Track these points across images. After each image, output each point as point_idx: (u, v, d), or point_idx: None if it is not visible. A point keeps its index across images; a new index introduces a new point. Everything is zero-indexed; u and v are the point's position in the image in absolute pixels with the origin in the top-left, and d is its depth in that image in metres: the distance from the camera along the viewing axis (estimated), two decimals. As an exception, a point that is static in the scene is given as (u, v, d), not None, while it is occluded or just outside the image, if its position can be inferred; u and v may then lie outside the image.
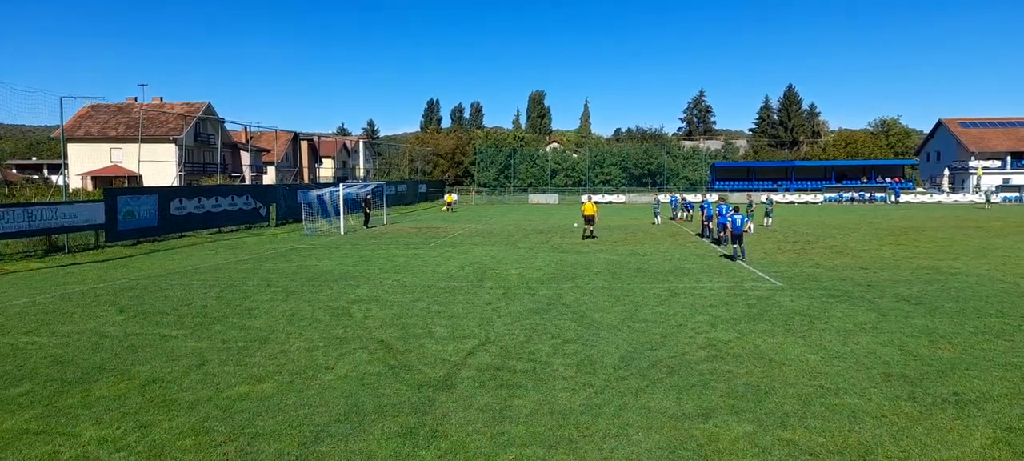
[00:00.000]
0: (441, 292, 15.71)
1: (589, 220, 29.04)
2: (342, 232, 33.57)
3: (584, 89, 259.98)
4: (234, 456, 6.45)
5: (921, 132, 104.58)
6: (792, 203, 68.04)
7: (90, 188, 57.19)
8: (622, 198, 76.70)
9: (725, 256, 21.91)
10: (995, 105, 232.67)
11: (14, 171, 75.37)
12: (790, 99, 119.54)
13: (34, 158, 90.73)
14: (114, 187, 36.91)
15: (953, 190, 75.64)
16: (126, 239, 27.99)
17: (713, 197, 56.34)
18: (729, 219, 22.00)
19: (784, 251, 23.73)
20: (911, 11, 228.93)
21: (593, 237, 28.84)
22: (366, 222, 38.43)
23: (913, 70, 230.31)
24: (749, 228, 22.21)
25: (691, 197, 53.30)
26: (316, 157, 76.29)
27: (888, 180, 76.88)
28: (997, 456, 6.31)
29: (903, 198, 68.46)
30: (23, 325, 12.45)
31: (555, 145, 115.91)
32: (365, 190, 41.27)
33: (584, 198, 51.43)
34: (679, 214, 43.30)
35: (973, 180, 75.49)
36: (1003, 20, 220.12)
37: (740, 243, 21.13)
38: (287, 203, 40.69)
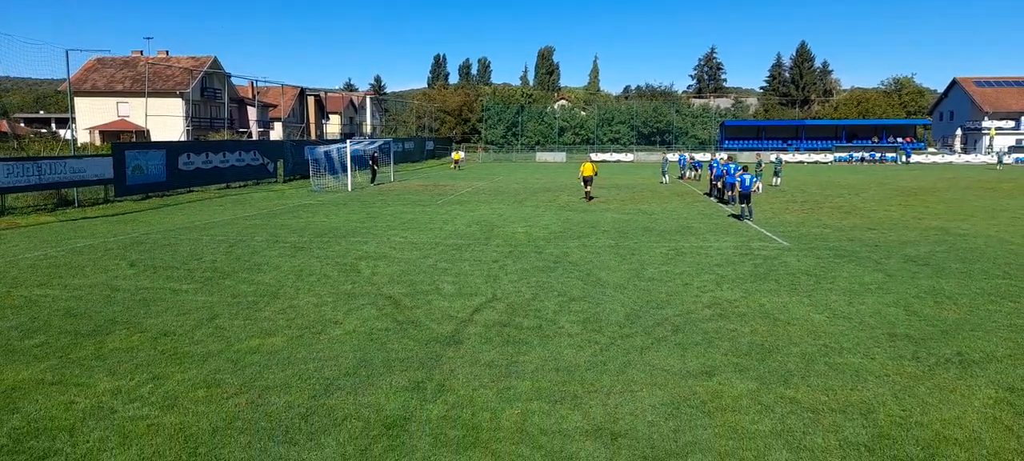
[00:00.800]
0: (448, 249, 15.79)
1: (587, 180, 27.90)
2: (349, 189, 33.63)
3: (593, 45, 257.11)
4: (245, 407, 6.58)
5: (935, 91, 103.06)
6: (801, 163, 67.60)
7: (98, 142, 57.30)
8: (630, 156, 76.35)
9: (732, 216, 21.88)
10: (1012, 64, 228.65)
11: (22, 124, 75.45)
12: (802, 56, 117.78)
13: (42, 111, 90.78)
14: (122, 142, 36.96)
15: (965, 151, 74.90)
16: (135, 194, 28.13)
17: (722, 156, 56.03)
18: (737, 178, 21.92)
19: (792, 211, 23.67)
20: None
21: (591, 199, 27.74)
22: (373, 179, 38.46)
23: (929, 27, 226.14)
24: (758, 188, 22.11)
25: (700, 156, 52.96)
26: (323, 113, 75.99)
27: (899, 140, 76.15)
28: (999, 416, 6.38)
29: (914, 158, 67.87)
30: (36, 278, 12.61)
31: (563, 102, 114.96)
32: (372, 147, 41.20)
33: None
34: (687, 173, 43.12)
35: (986, 140, 74.67)
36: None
37: (748, 203, 21.09)
38: (294, 159, 40.72)
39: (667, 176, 39.68)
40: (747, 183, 21.13)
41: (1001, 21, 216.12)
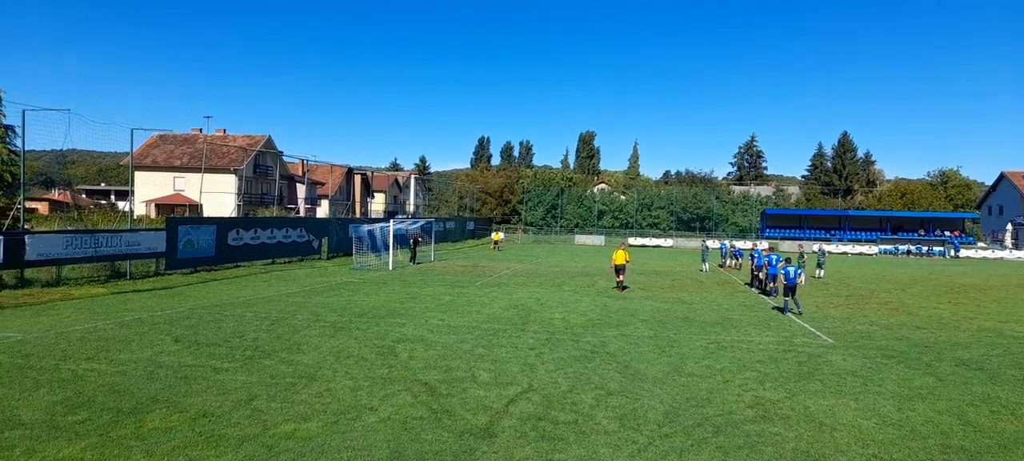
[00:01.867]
0: (485, 334, 15.76)
1: (620, 269, 26.50)
2: (391, 268, 34.04)
3: (634, 131, 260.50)
4: (279, 497, 6.55)
5: (983, 184, 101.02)
6: (845, 253, 66.31)
7: (153, 214, 59.39)
8: (669, 242, 75.93)
9: (776, 308, 21.41)
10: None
11: (83, 195, 78.83)
12: (844, 146, 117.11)
13: (103, 183, 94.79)
14: (176, 217, 38.26)
15: (1016, 246, 72.59)
16: (184, 267, 28.92)
17: (764, 245, 55.32)
18: (780, 270, 21.51)
19: (836, 305, 23.11)
20: (972, 59, 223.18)
21: (624, 288, 26.39)
22: (413, 259, 38.89)
23: (975, 120, 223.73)
24: (802, 280, 21.62)
25: (740, 244, 52.36)
26: (368, 191, 77.83)
27: (947, 233, 74.33)
28: (1063, 544, 6.00)
29: (963, 253, 66.00)
30: (84, 351, 12.94)
31: (603, 186, 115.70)
32: (415, 227, 41.86)
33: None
34: (728, 261, 42.60)
35: (1040, 236, 72.33)
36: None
37: (793, 296, 20.64)
38: (339, 236, 41.56)
39: (707, 264, 39.27)
40: (792, 276, 20.72)
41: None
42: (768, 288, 25.99)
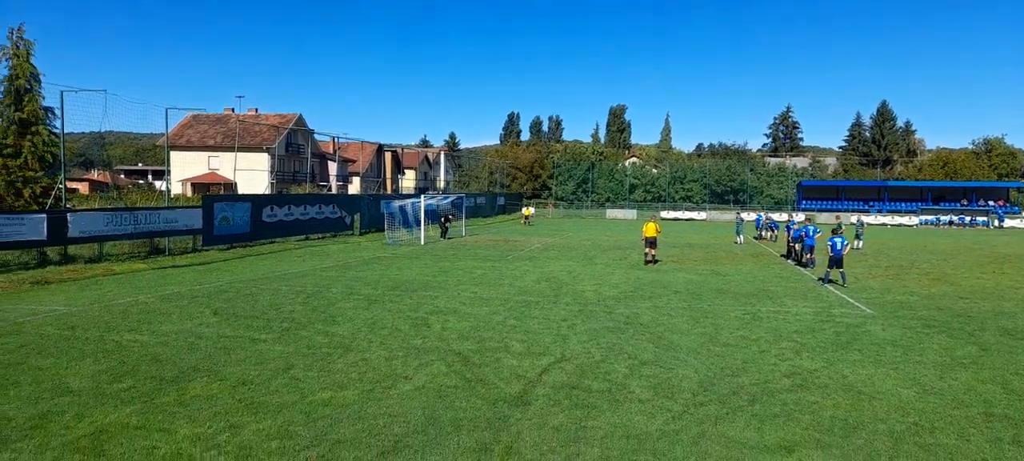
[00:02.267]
0: (517, 306, 15.79)
1: (651, 242, 25.62)
2: (422, 243, 34.26)
3: (665, 103, 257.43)
4: (317, 461, 6.67)
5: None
6: (884, 225, 64.95)
7: (189, 193, 60.48)
8: (703, 215, 75.13)
9: (820, 279, 20.97)
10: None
11: (122, 176, 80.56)
12: (883, 116, 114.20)
13: (140, 164, 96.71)
14: (212, 194, 38.90)
15: (1066, 215, 70.30)
16: (221, 243, 29.45)
17: (799, 216, 54.42)
18: (827, 242, 21.04)
19: (876, 276, 22.68)
20: (1017, 25, 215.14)
21: (655, 261, 25.66)
22: (443, 234, 39.04)
23: (1018, 87, 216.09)
24: (848, 249, 21.17)
25: (776, 216, 51.56)
26: (399, 168, 78.21)
27: (991, 203, 72.30)
28: (1114, 511, 5.83)
29: (1007, 223, 64.15)
30: (127, 323, 13.28)
31: (634, 160, 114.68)
32: (445, 202, 42.01)
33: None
34: (764, 234, 42.04)
35: (1089, 205, 69.99)
36: None
37: (840, 266, 20.23)
38: (370, 212, 41.91)
39: (742, 236, 38.78)
40: (838, 247, 20.30)
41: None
42: (805, 260, 25.59)
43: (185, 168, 66.67)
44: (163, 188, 34.25)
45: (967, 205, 72.51)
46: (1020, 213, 71.08)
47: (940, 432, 7.70)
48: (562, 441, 7.31)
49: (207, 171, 67.23)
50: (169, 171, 33.76)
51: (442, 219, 39.91)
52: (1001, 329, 13.68)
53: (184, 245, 28.43)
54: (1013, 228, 61.96)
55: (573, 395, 8.93)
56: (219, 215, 29.38)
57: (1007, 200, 74.62)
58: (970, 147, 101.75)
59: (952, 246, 38.02)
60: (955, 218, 66.87)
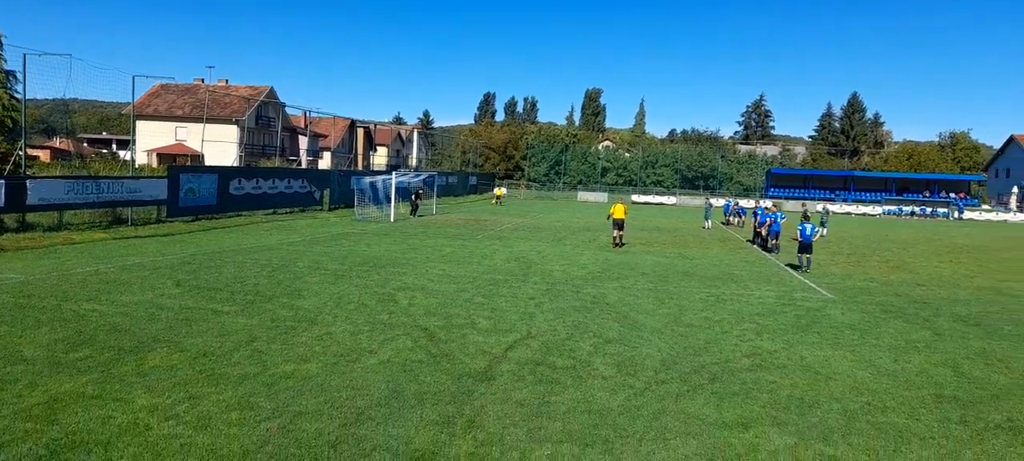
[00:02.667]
0: (486, 284, 15.81)
1: (619, 224, 25.51)
2: (392, 220, 34.06)
3: (640, 88, 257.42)
4: (276, 433, 6.63)
5: (991, 147, 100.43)
6: (849, 214, 66.15)
7: (155, 164, 59.32)
8: (673, 200, 75.77)
9: (790, 266, 21.30)
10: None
11: (85, 144, 78.64)
12: (853, 107, 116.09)
13: (104, 132, 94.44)
14: (177, 165, 38.19)
15: (1021, 209, 72.32)
16: (186, 215, 28.96)
17: (767, 203, 55.10)
18: (797, 227, 21.32)
19: (838, 263, 23.12)
20: (984, 21, 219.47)
21: (622, 245, 25.39)
22: (414, 212, 38.83)
23: (985, 83, 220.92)
24: (818, 235, 21.52)
25: (744, 202, 52.22)
26: (371, 144, 77.40)
27: (952, 195, 74.04)
28: (1052, 489, 6.06)
29: (967, 215, 65.79)
30: (86, 292, 13.01)
31: (608, 143, 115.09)
32: (417, 179, 41.76)
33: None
34: (732, 219, 42.58)
35: (1044, 199, 72.03)
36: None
37: (808, 252, 20.55)
38: (341, 188, 41.50)
39: (710, 221, 39.21)
40: (808, 233, 20.62)
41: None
42: (770, 245, 25.99)
43: (151, 138, 65.31)
44: (128, 158, 33.53)
45: (929, 197, 74.15)
46: (979, 205, 72.87)
47: (892, 411, 7.91)
48: (525, 415, 7.36)
49: (174, 142, 65.94)
50: (134, 140, 33.04)
51: (413, 196, 39.67)
52: (955, 315, 14.06)
53: (148, 216, 27.89)
54: (972, 220, 63.56)
55: (537, 371, 8.99)
56: (185, 186, 28.86)
57: (968, 193, 76.44)
58: (936, 140, 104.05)
59: (912, 236, 38.90)
60: (917, 209, 68.35)
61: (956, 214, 65.48)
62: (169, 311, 11.67)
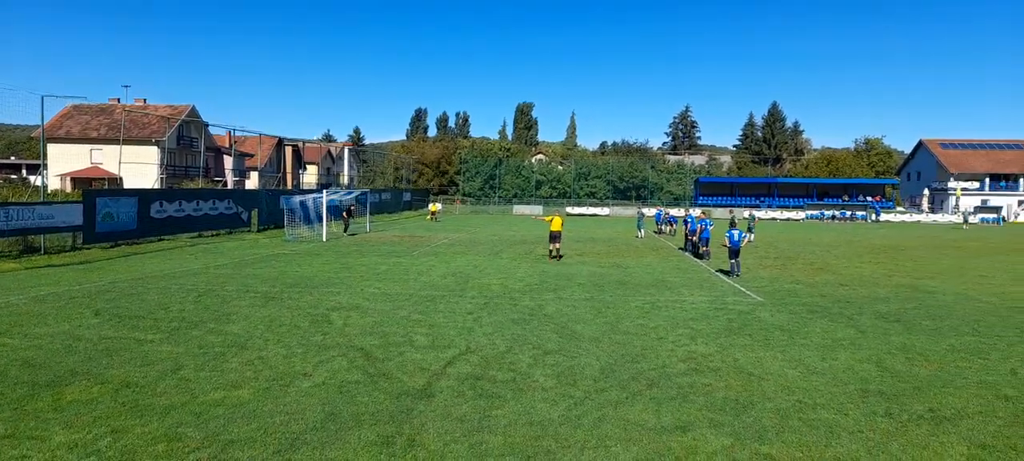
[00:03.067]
0: (422, 301, 15.63)
1: (554, 237, 25.44)
2: (324, 239, 33.36)
3: (571, 102, 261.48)
4: (207, 463, 6.34)
5: (903, 152, 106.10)
6: (774, 219, 68.61)
7: (69, 189, 56.47)
8: (606, 211, 76.95)
9: (721, 271, 21.85)
10: (975, 127, 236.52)
11: (-8, 170, 74.28)
12: (774, 116, 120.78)
13: (13, 157, 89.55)
14: (93, 189, 36.46)
15: (932, 210, 76.67)
16: (104, 241, 27.63)
17: (696, 212, 56.71)
18: (726, 234, 21.92)
19: (766, 267, 23.89)
20: (896, 33, 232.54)
21: (558, 257, 25.43)
22: (346, 229, 38.14)
23: (897, 91, 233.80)
24: (747, 241, 22.22)
25: (674, 212, 53.54)
26: (300, 163, 75.87)
27: (869, 199, 77.83)
28: (971, 473, 6.36)
29: (883, 217, 69.27)
30: (-5, 326, 12.21)
31: (541, 156, 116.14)
32: (349, 197, 41.08)
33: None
34: (663, 228, 43.52)
35: (952, 200, 76.57)
36: (985, 44, 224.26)
37: (736, 258, 21.16)
38: (269, 208, 40.41)
39: (643, 230, 39.97)
40: (736, 239, 21.25)
41: (964, 86, 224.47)
42: (701, 252, 26.66)
43: (65, 162, 62.24)
44: (39, 183, 31.80)
45: (848, 200, 77.71)
46: (894, 208, 76.81)
47: (822, 408, 8.17)
48: (466, 430, 7.27)
49: (90, 165, 63.01)
50: (45, 164, 31.38)
51: (344, 213, 38.98)
52: (876, 313, 14.71)
53: (63, 243, 26.46)
54: (888, 221, 66.92)
55: (477, 386, 8.91)
56: (102, 211, 27.54)
57: (883, 196, 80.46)
58: (852, 147, 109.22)
59: (834, 238, 40.63)
60: (837, 213, 71.51)
61: (873, 217, 68.86)
62: (88, 342, 11.06)
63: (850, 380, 9.40)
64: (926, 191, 79.09)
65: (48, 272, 20.12)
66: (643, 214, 42.93)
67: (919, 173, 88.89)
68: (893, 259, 27.33)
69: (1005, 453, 6.85)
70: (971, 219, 65.11)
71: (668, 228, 43.12)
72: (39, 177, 31.76)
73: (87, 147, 63.72)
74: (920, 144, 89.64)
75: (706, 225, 27.14)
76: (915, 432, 7.40)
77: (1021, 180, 79.58)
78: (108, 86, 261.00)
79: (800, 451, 6.81)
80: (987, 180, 79.58)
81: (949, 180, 79.82)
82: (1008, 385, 9.26)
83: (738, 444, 6.98)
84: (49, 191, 38.51)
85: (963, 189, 76.87)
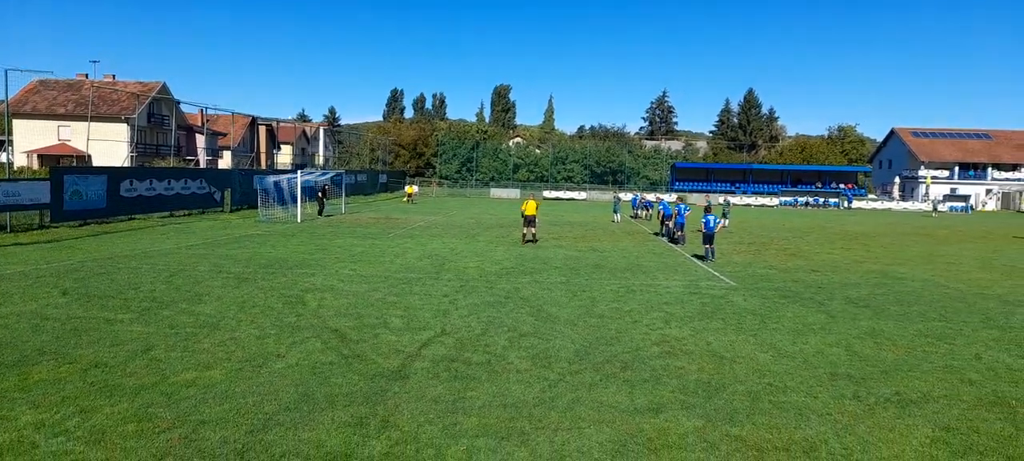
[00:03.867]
0: (398, 283, 15.57)
1: (530, 221, 25.26)
2: (299, 220, 33.06)
3: (549, 85, 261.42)
4: (178, 443, 6.28)
5: (875, 140, 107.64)
6: (748, 205, 69.33)
7: (36, 166, 55.27)
8: (583, 195, 77.16)
9: (696, 256, 22.04)
10: (945, 116, 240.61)
11: (-45, 146, 72.36)
12: (750, 103, 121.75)
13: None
14: (61, 166, 35.70)
15: (903, 198, 78.00)
16: (72, 220, 27.11)
17: (671, 197, 57.11)
18: (701, 220, 22.05)
19: (739, 252, 24.15)
20: (870, 22, 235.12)
21: (534, 240, 25.26)
22: (321, 211, 37.81)
23: (870, 79, 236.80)
24: (722, 225, 22.44)
25: (650, 196, 53.87)
26: (274, 143, 74.99)
27: (842, 186, 78.90)
28: (935, 454, 6.51)
29: (855, 204, 70.33)
30: (-42, 305, 11.94)
31: (518, 140, 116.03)
32: (324, 178, 40.69)
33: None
34: (639, 213, 43.78)
35: (922, 189, 77.93)
36: (957, 35, 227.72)
37: (711, 243, 21.32)
38: (243, 188, 39.91)
39: (619, 215, 40.15)
40: (711, 224, 21.40)
41: (936, 75, 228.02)
42: (676, 236, 26.86)
43: (31, 138, 60.87)
44: (4, 160, 31.06)
45: (821, 187, 78.74)
46: (866, 195, 78.01)
47: (792, 391, 8.30)
48: (440, 412, 7.28)
49: (57, 142, 61.70)
50: (11, 141, 30.66)
51: (319, 194, 38.58)
52: (846, 298, 14.95)
53: (29, 221, 25.92)
54: (860, 209, 67.98)
55: (452, 368, 8.91)
56: (70, 189, 26.99)
57: (855, 183, 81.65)
58: (826, 134, 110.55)
59: (807, 225, 41.19)
60: (810, 199, 72.45)
61: (846, 204, 69.89)
62: (56, 322, 10.87)
63: (820, 364, 9.56)
64: (897, 179, 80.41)
65: (14, 251, 19.70)
66: (619, 199, 43.11)
67: (891, 161, 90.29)
68: (864, 246, 27.79)
69: (968, 435, 7.02)
70: (940, 207, 66.38)
71: (644, 213, 43.39)
72: (4, 154, 31.04)
73: (54, 123, 62.35)
74: (892, 132, 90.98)
75: (681, 210, 27.33)
76: (882, 415, 7.56)
77: (988, 169, 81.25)
78: (76, 61, 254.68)
79: (770, 433, 6.92)
80: (956, 169, 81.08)
81: (920, 168, 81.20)
82: (972, 369, 9.48)
83: (709, 426, 7.07)
84: (15, 168, 37.62)
85: (933, 178, 78.26)
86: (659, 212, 31.42)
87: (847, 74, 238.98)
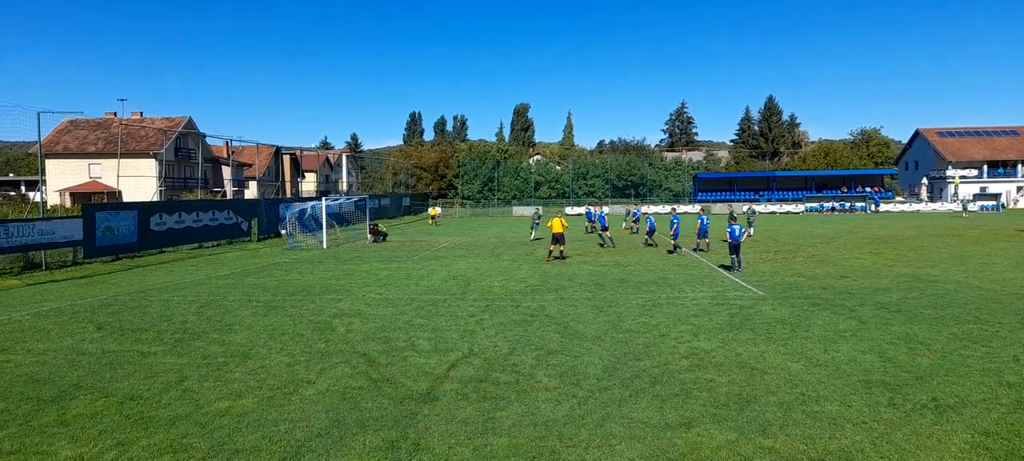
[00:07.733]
0: (424, 305, 15.65)
1: (558, 238, 25.14)
2: (325, 246, 33.40)
3: (567, 101, 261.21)
4: (213, 473, 6.36)
5: (900, 142, 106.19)
6: (773, 213, 68.63)
7: (68, 204, 56.51)
8: (606, 209, 76.91)
9: (722, 266, 21.87)
10: (972, 114, 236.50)
11: (-10, 188, 74.27)
12: (771, 110, 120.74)
13: (12, 174, 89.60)
14: (92, 203, 36.48)
15: (931, 199, 76.72)
16: (105, 255, 27.67)
17: (683, 209, 56.58)
18: (727, 230, 21.93)
19: (766, 261, 23.90)
20: (891, 22, 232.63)
21: (562, 257, 25.31)
22: (376, 239, 37.09)
23: (893, 81, 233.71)
24: (747, 235, 22.30)
25: (682, 209, 53.38)
26: (298, 171, 75.93)
27: (868, 189, 77.82)
28: None
29: (883, 207, 69.29)
30: (-2, 343, 12.23)
31: (538, 157, 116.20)
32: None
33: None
34: (623, 224, 43.77)
35: (950, 189, 76.60)
36: (981, 31, 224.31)
37: (737, 253, 21.18)
38: (269, 217, 40.45)
39: (535, 232, 38.34)
40: (736, 234, 21.28)
41: (960, 74, 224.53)
42: (701, 246, 26.68)
43: (63, 177, 62.33)
44: (38, 199, 31.83)
45: (847, 192, 77.74)
46: (893, 198, 76.87)
47: (825, 400, 8.19)
48: (470, 433, 7.29)
49: (88, 180, 63.09)
50: (44, 180, 31.43)
51: (370, 229, 37.67)
52: (877, 304, 14.72)
53: (64, 258, 26.51)
54: (887, 212, 66.93)
55: (481, 388, 8.93)
56: (102, 225, 27.58)
57: (882, 186, 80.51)
58: (849, 138, 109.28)
59: (834, 230, 40.64)
60: (836, 204, 71.55)
61: (873, 207, 68.87)
62: (91, 356, 11.09)
63: (853, 371, 9.41)
64: (925, 180, 79.15)
65: (50, 287, 20.15)
66: (540, 215, 42.47)
67: (917, 163, 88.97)
68: (893, 249, 27.35)
69: (1009, 440, 6.87)
70: (970, 207, 65.12)
71: (634, 225, 43.31)
72: (38, 193, 31.81)
73: (85, 162, 63.82)
74: (917, 133, 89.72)
75: (703, 219, 27.23)
76: (919, 421, 7.42)
77: (1019, 166, 79.69)
78: (104, 100, 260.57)
79: (804, 444, 6.83)
80: (985, 167, 79.65)
81: (947, 169, 79.87)
82: (1011, 372, 9.28)
83: (742, 439, 6.99)
84: (48, 207, 38.53)
85: (961, 177, 76.91)
86: (645, 224, 31.59)
87: (868, 76, 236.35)
